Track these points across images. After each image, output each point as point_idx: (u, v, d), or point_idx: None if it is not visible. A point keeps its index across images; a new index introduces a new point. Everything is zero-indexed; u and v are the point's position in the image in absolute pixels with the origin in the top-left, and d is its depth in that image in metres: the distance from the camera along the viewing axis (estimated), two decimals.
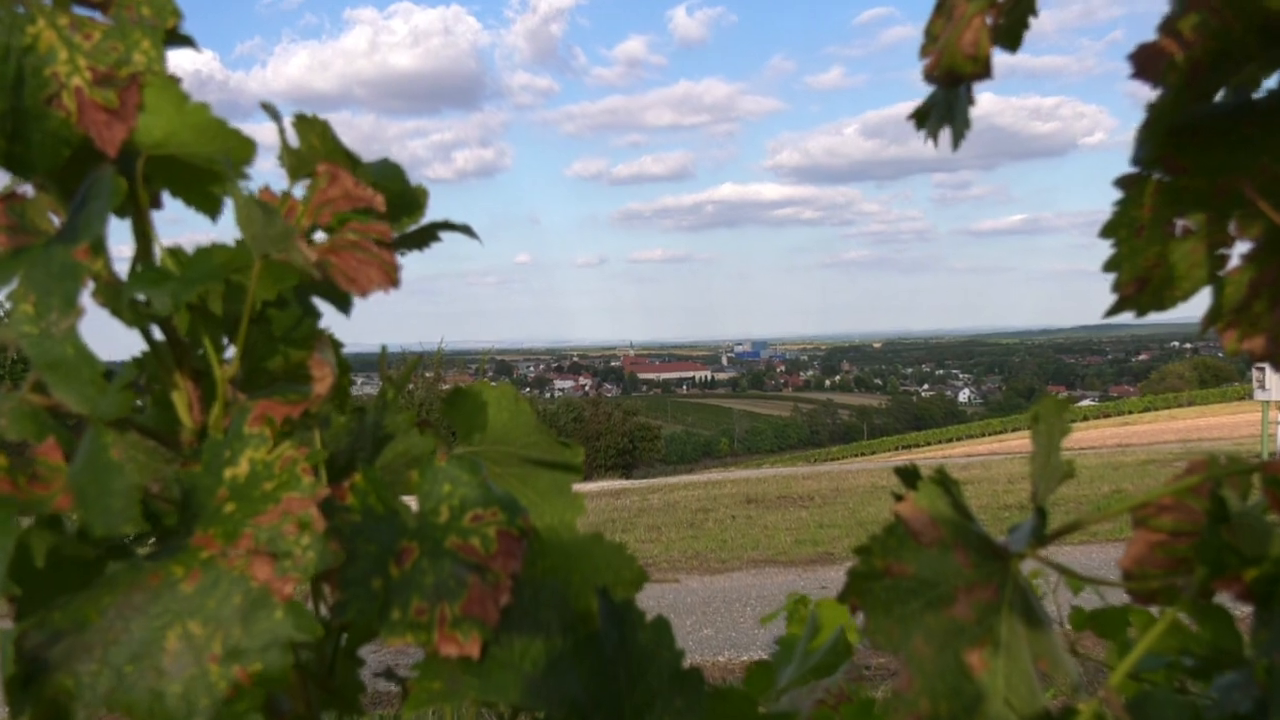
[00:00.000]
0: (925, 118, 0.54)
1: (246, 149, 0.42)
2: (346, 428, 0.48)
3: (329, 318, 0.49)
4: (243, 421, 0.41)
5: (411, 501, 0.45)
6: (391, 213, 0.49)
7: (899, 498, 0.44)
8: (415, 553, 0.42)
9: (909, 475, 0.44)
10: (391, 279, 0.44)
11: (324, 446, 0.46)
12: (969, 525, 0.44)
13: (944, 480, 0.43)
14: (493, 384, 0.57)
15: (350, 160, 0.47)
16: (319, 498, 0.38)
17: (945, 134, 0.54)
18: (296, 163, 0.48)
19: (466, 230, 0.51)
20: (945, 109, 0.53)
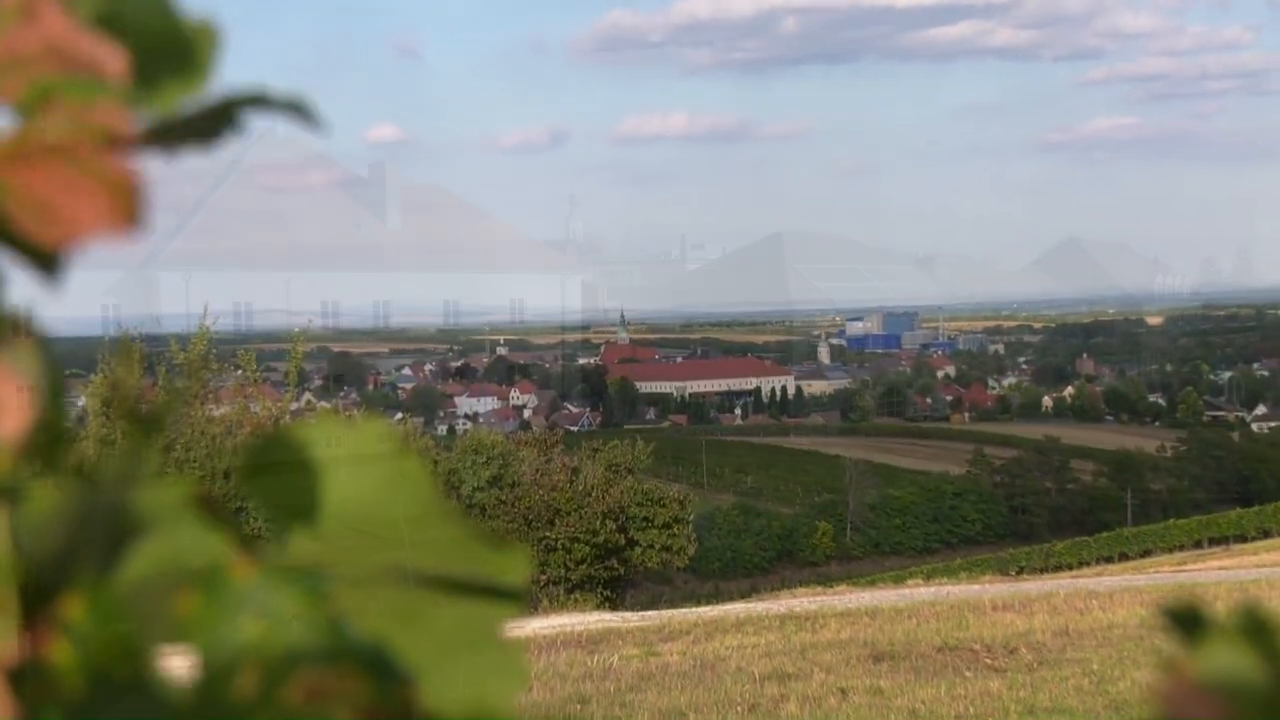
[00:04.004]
0: None
1: None
2: (58, 508, 0.51)
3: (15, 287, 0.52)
4: None
5: (184, 659, 0.48)
6: (144, 72, 0.52)
7: (1169, 663, 0.46)
8: None
9: (1186, 619, 0.47)
10: (126, 213, 0.46)
11: (17, 546, 0.49)
12: None
13: (1258, 627, 0.46)
14: (347, 416, 0.59)
15: None
16: (9, 660, 0.41)
17: None
18: None
19: (301, 110, 0.53)
20: None
